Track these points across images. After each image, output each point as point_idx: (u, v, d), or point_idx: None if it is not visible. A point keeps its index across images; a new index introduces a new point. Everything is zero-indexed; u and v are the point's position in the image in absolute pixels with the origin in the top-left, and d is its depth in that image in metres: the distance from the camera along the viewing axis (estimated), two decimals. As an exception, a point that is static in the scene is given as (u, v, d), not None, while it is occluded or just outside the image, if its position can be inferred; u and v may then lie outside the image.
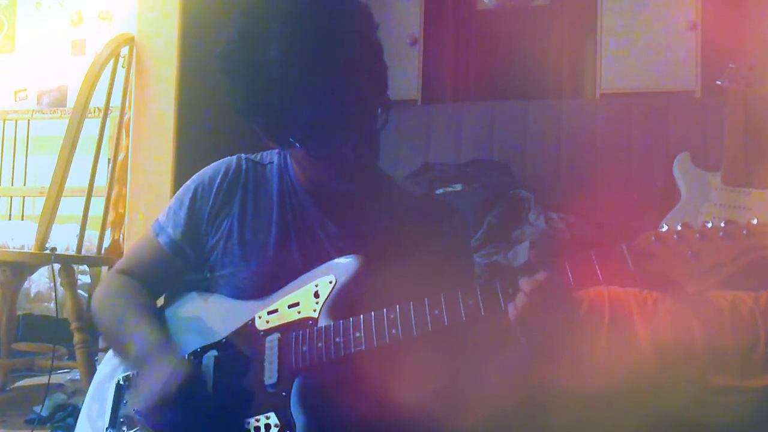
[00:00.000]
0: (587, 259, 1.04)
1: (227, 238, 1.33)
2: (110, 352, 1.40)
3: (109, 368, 1.36)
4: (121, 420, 1.27)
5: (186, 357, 1.25)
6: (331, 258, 1.26)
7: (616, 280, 1.05)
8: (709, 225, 0.99)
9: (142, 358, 1.23)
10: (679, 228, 1.00)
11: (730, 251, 0.98)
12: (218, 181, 1.35)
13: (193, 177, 1.39)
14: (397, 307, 1.14)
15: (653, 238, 1.01)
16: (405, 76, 3.32)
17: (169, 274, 1.38)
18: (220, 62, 1.21)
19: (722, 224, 0.99)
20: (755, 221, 0.98)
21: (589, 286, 1.05)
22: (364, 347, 1.14)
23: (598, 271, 1.03)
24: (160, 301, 1.43)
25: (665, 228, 1.01)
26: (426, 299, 1.13)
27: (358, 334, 1.15)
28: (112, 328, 1.33)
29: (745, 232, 0.98)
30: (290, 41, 1.13)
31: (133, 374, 1.29)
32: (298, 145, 1.20)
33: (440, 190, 2.63)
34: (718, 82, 2.61)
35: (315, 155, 1.22)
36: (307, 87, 1.14)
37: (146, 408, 1.16)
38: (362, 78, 1.17)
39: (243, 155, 1.39)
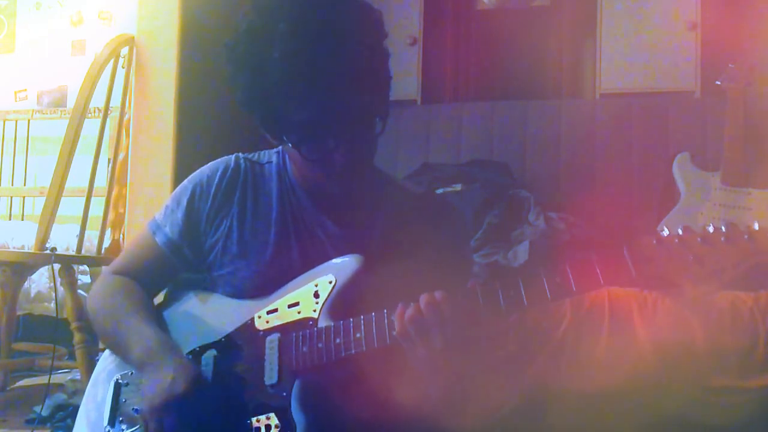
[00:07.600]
0: (588, 261, 1.04)
1: (226, 237, 1.33)
2: (108, 350, 1.39)
3: (107, 366, 1.36)
4: (120, 419, 1.26)
5: (188, 357, 1.25)
6: (330, 258, 1.26)
7: (617, 283, 1.04)
8: (711, 229, 0.98)
9: (143, 358, 1.23)
10: (680, 232, 1.00)
11: (731, 256, 0.97)
12: (217, 180, 1.35)
13: (190, 177, 1.39)
14: (398, 307, 1.13)
15: (655, 241, 1.01)
16: (405, 76, 3.31)
17: (165, 272, 1.38)
18: (226, 52, 1.21)
19: (723, 229, 0.98)
20: (756, 226, 0.97)
21: (590, 289, 1.04)
22: (364, 348, 1.13)
23: (599, 274, 1.03)
24: (158, 299, 1.43)
25: (666, 232, 1.00)
26: None
27: (358, 335, 1.14)
28: (110, 329, 1.32)
29: (746, 236, 0.97)
30: (293, 43, 1.13)
31: (132, 373, 1.29)
32: (290, 144, 1.21)
33: (440, 190, 2.63)
34: (718, 82, 2.60)
35: (307, 157, 1.22)
36: (305, 90, 1.14)
37: (150, 409, 1.16)
38: (361, 85, 1.17)
39: (241, 154, 1.39)
